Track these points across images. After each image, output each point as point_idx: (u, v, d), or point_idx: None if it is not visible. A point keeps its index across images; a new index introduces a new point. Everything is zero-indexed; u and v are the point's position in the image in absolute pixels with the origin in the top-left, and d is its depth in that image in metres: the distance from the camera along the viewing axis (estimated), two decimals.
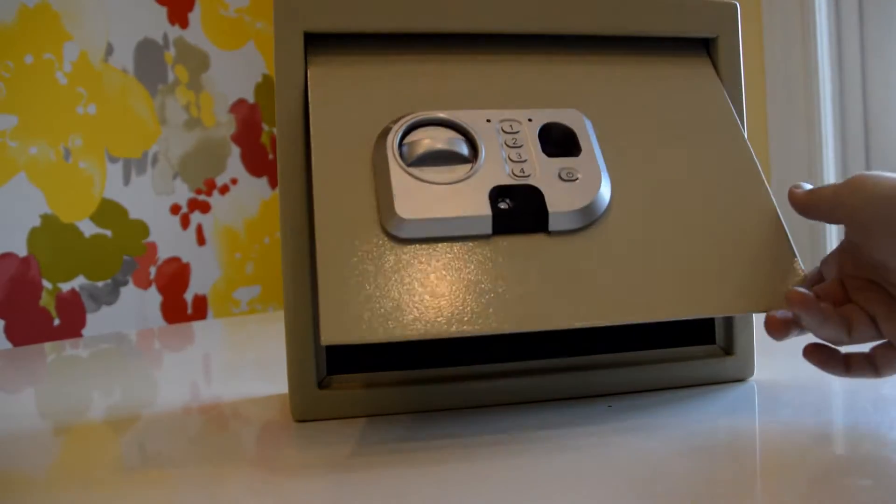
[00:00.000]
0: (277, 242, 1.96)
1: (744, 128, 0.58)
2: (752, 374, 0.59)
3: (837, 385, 0.57)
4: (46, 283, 1.59)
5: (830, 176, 1.49)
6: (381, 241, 0.46)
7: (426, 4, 0.54)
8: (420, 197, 0.47)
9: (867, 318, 0.43)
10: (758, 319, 0.58)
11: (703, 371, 0.57)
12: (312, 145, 0.49)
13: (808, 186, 0.49)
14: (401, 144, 0.49)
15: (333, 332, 0.43)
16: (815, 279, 0.50)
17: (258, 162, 1.97)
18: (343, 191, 0.48)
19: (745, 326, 0.58)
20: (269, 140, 1.99)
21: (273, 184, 2.00)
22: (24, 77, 1.56)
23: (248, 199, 1.95)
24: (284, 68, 0.52)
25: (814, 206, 0.47)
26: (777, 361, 0.62)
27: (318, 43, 0.54)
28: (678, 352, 0.58)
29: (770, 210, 0.52)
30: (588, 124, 0.53)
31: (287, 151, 0.52)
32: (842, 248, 0.48)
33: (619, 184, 0.51)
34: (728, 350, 0.59)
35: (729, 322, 0.59)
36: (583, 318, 0.47)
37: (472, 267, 0.47)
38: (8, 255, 1.54)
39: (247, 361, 0.86)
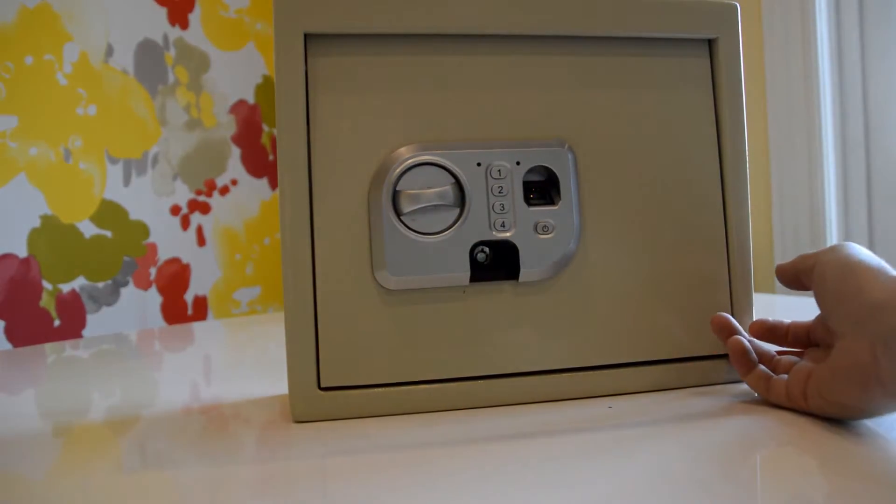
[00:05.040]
0: (277, 243, 1.96)
1: (744, 128, 0.58)
2: None
3: None
4: (47, 284, 1.59)
5: (830, 176, 1.49)
6: (373, 292, 0.53)
7: (426, 5, 0.54)
8: (409, 253, 0.53)
9: (783, 388, 0.50)
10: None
11: (704, 371, 0.57)
12: (312, 166, 0.53)
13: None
14: (395, 190, 0.53)
15: (333, 377, 0.52)
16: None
17: (258, 163, 1.97)
18: (340, 241, 0.53)
19: (746, 327, 0.58)
20: (269, 141, 1.99)
21: (273, 185, 2.00)
22: (25, 78, 1.56)
23: (248, 200, 1.95)
24: (284, 69, 0.52)
25: (800, 261, 0.51)
26: None
27: (318, 43, 0.54)
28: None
29: (720, 252, 0.58)
30: (571, 162, 0.56)
31: (287, 152, 0.52)
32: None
33: (590, 232, 0.56)
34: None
35: None
36: (542, 362, 0.55)
37: (451, 315, 0.54)
38: (8, 256, 1.54)
39: (247, 362, 0.86)
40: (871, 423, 0.48)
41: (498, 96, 0.56)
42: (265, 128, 1.99)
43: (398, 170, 0.53)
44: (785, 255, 1.52)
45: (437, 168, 0.54)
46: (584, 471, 0.41)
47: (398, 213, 0.53)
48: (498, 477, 0.41)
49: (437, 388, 0.54)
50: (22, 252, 1.56)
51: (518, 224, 0.54)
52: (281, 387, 0.58)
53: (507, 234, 0.54)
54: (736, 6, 0.59)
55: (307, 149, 0.52)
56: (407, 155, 0.54)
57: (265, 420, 0.54)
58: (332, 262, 0.52)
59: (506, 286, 0.55)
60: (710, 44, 0.59)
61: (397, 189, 0.53)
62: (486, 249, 0.54)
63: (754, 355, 0.53)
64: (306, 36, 0.53)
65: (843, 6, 1.48)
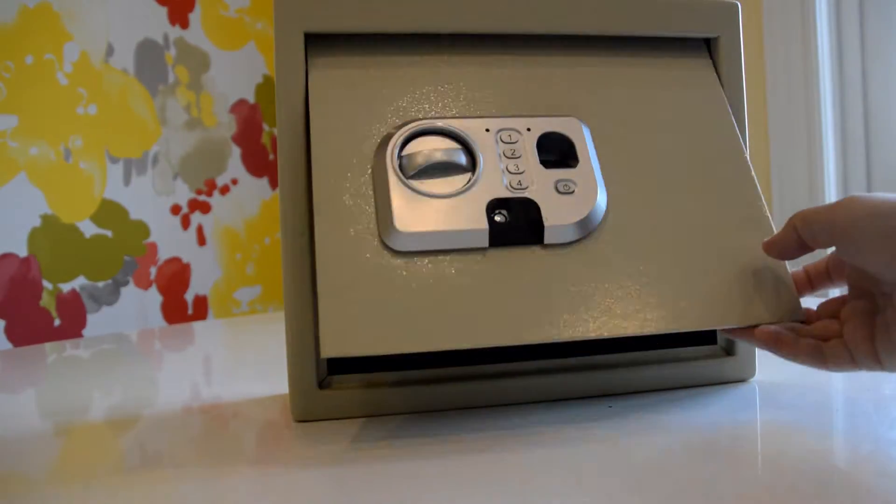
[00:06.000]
0: (278, 243, 1.96)
1: (745, 128, 0.58)
2: (753, 374, 0.59)
3: (838, 385, 0.57)
4: (47, 284, 1.59)
5: (830, 176, 1.49)
6: (380, 254, 0.47)
7: (426, 5, 0.54)
8: (418, 210, 0.47)
9: (846, 352, 0.45)
10: None
11: (705, 371, 0.57)
12: (313, 153, 0.50)
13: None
14: (400, 155, 0.50)
15: (333, 345, 0.44)
16: (819, 271, 0.51)
17: (259, 162, 1.97)
18: (343, 203, 0.49)
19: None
20: (269, 140, 1.99)
21: (273, 184, 2.00)
22: (25, 77, 1.56)
23: (248, 200, 1.95)
24: (285, 69, 0.52)
25: (807, 227, 0.46)
26: (778, 362, 0.62)
27: (318, 43, 0.54)
28: (679, 352, 0.58)
29: (765, 224, 0.53)
30: (586, 132, 0.53)
31: (287, 152, 0.52)
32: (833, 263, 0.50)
33: (615, 194, 0.52)
34: (729, 350, 0.59)
35: None
36: (574, 331, 0.47)
37: (469, 280, 0.47)
38: (8, 256, 1.54)
39: (247, 361, 0.86)
40: (871, 424, 0.48)
41: (499, 95, 0.55)
42: (265, 127, 1.99)
43: (402, 136, 0.50)
44: None
45: (443, 137, 0.51)
46: (584, 471, 0.41)
47: (405, 175, 0.49)
48: (498, 477, 0.41)
49: (438, 389, 0.54)
50: (22, 252, 1.56)
51: (536, 183, 0.50)
52: (281, 386, 0.58)
53: (526, 193, 0.49)
54: (737, 5, 0.59)
55: (307, 148, 0.52)
56: (411, 125, 0.51)
57: (265, 419, 0.54)
58: (335, 228, 0.48)
59: (531, 250, 0.49)
60: (712, 43, 0.59)
61: (402, 155, 0.50)
62: (505, 212, 0.49)
63: (787, 333, 0.48)
64: (306, 36, 0.53)
65: (842, 5, 1.48)
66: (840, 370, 0.46)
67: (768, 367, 0.59)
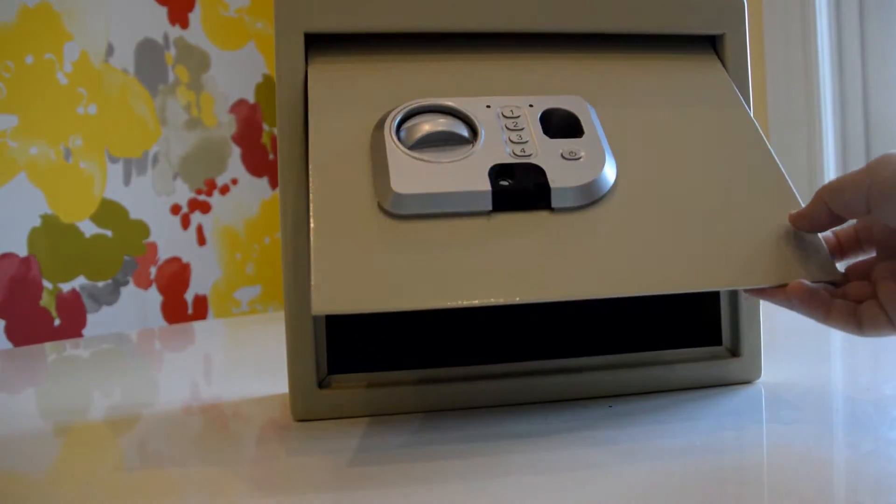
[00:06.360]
0: (277, 242, 1.96)
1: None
2: (758, 376, 0.58)
3: (844, 386, 0.57)
4: (47, 284, 1.59)
5: (831, 176, 1.49)
6: (376, 217, 0.45)
7: (426, 4, 0.54)
8: (418, 174, 0.46)
9: (882, 314, 0.43)
10: (764, 320, 0.58)
11: (709, 373, 0.57)
12: (310, 133, 0.49)
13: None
14: (399, 129, 0.49)
15: (324, 302, 0.42)
16: (849, 236, 0.49)
17: (258, 162, 1.97)
18: (339, 172, 0.47)
19: (752, 327, 0.58)
20: (269, 140, 1.99)
21: (273, 184, 2.00)
22: (25, 77, 1.56)
23: (248, 200, 1.95)
24: (285, 68, 0.52)
25: (838, 197, 0.44)
26: (784, 363, 0.62)
27: (318, 43, 0.54)
28: (683, 353, 0.57)
29: (789, 194, 0.50)
30: (591, 110, 0.52)
31: (287, 151, 0.52)
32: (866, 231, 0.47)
33: (623, 164, 0.50)
34: (734, 352, 0.58)
35: (735, 323, 0.58)
36: (585, 290, 0.45)
37: (471, 243, 0.45)
38: (8, 256, 1.54)
39: (247, 361, 0.86)
40: (872, 424, 0.48)
41: (501, 82, 0.55)
42: (265, 127, 1.99)
43: (401, 112, 0.49)
44: None
45: (442, 115, 0.50)
46: (584, 471, 0.41)
47: (404, 145, 0.48)
48: (498, 477, 0.41)
49: (438, 388, 0.54)
50: (22, 251, 1.56)
51: (541, 151, 0.48)
52: (281, 386, 0.58)
53: (530, 159, 0.48)
54: (743, 2, 0.58)
55: (307, 148, 0.52)
56: (410, 103, 0.50)
57: (265, 419, 0.54)
58: (330, 192, 0.46)
59: (537, 214, 0.47)
60: (717, 40, 0.59)
61: (402, 128, 0.49)
62: (509, 179, 0.47)
63: (823, 292, 0.45)
64: (306, 35, 0.53)
65: (843, 5, 1.48)
66: (877, 334, 0.43)
67: (774, 368, 0.59)
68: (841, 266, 0.48)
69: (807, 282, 0.45)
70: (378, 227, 0.45)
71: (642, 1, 0.57)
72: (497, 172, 0.47)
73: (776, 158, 0.53)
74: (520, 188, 0.47)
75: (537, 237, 0.46)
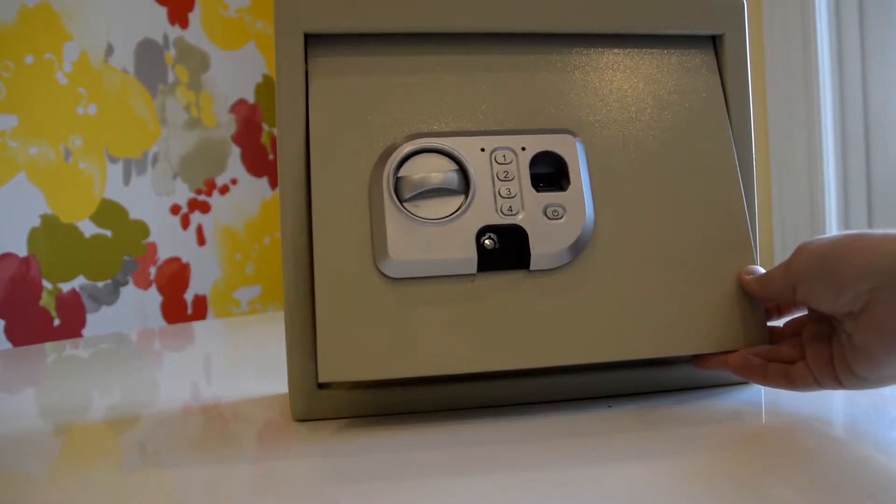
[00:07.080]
0: (277, 242, 1.96)
1: (750, 126, 0.58)
2: None
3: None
4: (46, 284, 1.59)
5: (830, 175, 1.49)
6: (375, 281, 0.50)
7: (426, 5, 0.54)
8: (412, 237, 0.50)
9: (810, 374, 0.48)
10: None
11: (709, 373, 0.57)
12: (312, 161, 0.51)
13: (759, 270, 0.53)
14: (396, 176, 0.51)
15: (331, 372, 0.48)
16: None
17: (258, 162, 1.97)
18: (340, 224, 0.51)
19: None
20: (269, 140, 1.99)
21: (273, 184, 2.00)
22: (25, 77, 1.56)
23: (248, 200, 1.95)
24: (285, 68, 0.52)
25: (768, 282, 0.51)
26: None
27: (318, 43, 0.54)
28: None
29: (746, 247, 0.55)
30: (580, 149, 0.54)
31: (287, 152, 0.52)
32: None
33: (604, 217, 0.54)
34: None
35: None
36: (553, 358, 0.51)
37: (458, 306, 0.50)
38: (8, 256, 1.54)
39: (247, 361, 0.86)
40: (873, 424, 0.48)
41: (501, 94, 0.55)
42: (265, 127, 1.99)
43: (399, 157, 0.52)
44: (785, 254, 1.52)
45: (439, 155, 0.53)
46: (584, 471, 0.41)
47: (400, 200, 0.51)
48: (497, 477, 0.41)
49: (438, 388, 0.54)
50: (22, 251, 1.56)
51: (526, 208, 0.52)
52: (281, 386, 0.58)
53: (515, 219, 0.51)
54: (742, 2, 0.58)
55: (307, 148, 0.52)
56: (408, 144, 0.52)
57: (265, 419, 0.54)
58: (333, 252, 0.50)
59: (517, 275, 0.51)
60: (717, 40, 0.59)
61: (399, 176, 0.52)
62: (494, 237, 0.51)
63: (756, 360, 0.51)
64: (306, 36, 0.53)
65: (842, 5, 1.48)
66: (807, 391, 0.49)
67: None
68: (780, 321, 0.54)
69: (743, 353, 0.52)
70: (376, 292, 0.50)
71: (642, 1, 0.57)
72: (484, 229, 0.51)
73: (744, 199, 0.56)
74: (502, 252, 0.51)
75: (514, 302, 0.51)
